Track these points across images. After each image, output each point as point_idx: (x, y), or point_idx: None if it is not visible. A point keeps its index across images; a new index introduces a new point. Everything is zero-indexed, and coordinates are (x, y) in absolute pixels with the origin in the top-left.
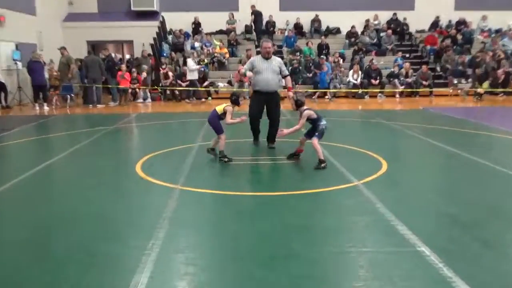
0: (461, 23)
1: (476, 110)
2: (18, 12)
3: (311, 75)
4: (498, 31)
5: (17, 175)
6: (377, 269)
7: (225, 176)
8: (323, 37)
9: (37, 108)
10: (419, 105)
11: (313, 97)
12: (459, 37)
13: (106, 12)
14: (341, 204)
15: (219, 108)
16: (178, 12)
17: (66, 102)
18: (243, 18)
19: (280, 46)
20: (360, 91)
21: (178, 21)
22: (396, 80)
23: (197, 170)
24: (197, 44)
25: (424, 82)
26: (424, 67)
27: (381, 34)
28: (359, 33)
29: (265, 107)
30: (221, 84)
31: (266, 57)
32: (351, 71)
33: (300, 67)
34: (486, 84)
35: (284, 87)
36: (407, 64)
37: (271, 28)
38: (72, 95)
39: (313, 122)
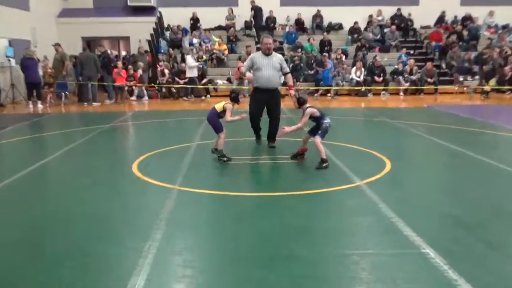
0: (467, 18)
1: (482, 108)
2: (11, 7)
3: (312, 72)
4: (505, 27)
5: (10, 175)
6: (380, 271)
7: (224, 176)
8: (325, 33)
9: (31, 106)
10: (424, 103)
11: (315, 95)
12: (465, 33)
13: (102, 7)
14: (343, 205)
15: (218, 106)
16: (176, 8)
17: (60, 100)
18: (243, 13)
19: (281, 42)
20: (363, 88)
21: (176, 16)
22: (400, 77)
23: (195, 169)
24: (195, 41)
25: (429, 80)
26: (429, 64)
27: (385, 30)
28: (362, 29)
29: (265, 105)
30: (220, 82)
31: (267, 53)
32: (354, 68)
33: (302, 64)
34: (493, 82)
35: (285, 84)
36: (411, 61)
37: (272, 24)
38: (67, 92)
39: (317, 120)
